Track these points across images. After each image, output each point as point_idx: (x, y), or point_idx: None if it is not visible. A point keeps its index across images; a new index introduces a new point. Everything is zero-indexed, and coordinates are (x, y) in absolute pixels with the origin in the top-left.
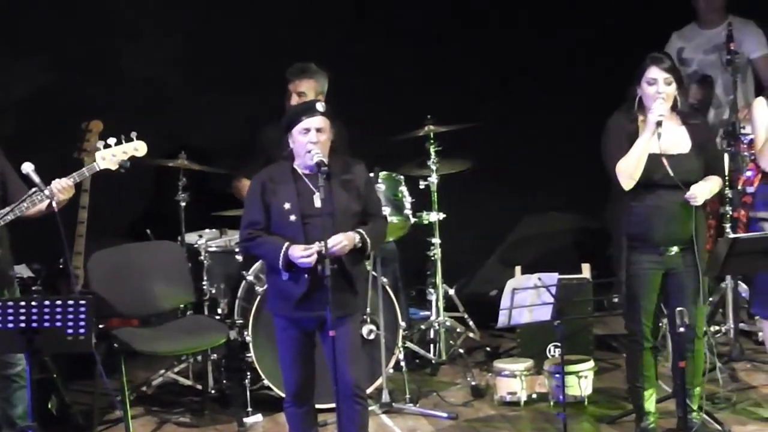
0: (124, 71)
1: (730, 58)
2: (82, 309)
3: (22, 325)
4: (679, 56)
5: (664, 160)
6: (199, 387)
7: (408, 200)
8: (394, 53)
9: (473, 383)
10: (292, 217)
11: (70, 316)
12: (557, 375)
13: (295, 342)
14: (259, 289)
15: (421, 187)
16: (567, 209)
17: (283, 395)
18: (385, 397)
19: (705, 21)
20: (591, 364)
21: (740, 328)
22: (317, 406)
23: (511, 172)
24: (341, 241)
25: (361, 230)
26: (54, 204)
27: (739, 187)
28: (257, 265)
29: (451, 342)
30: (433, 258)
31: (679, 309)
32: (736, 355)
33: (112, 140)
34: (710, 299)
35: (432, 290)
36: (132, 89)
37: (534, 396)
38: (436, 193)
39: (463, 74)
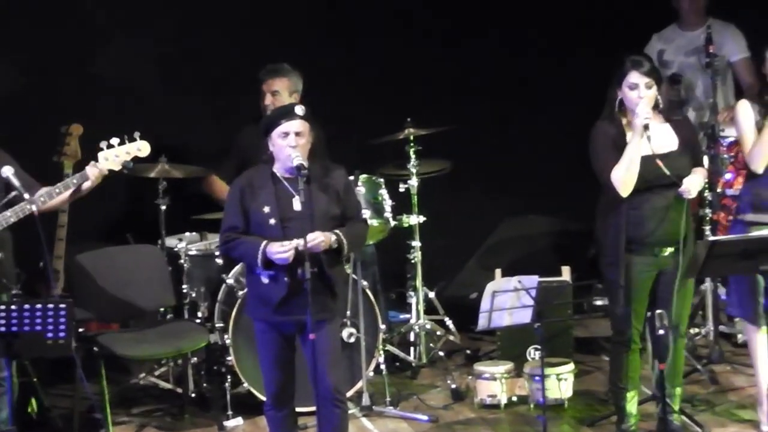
0: (101, 74)
1: (709, 60)
2: (62, 313)
3: (2, 329)
4: (660, 58)
5: (659, 161)
6: (179, 390)
7: (388, 203)
8: (373, 56)
9: (453, 386)
10: (272, 221)
11: (50, 320)
12: (537, 378)
13: (275, 346)
14: (239, 292)
15: (401, 190)
16: (547, 212)
17: (264, 399)
18: (366, 400)
19: (686, 23)
20: (571, 366)
21: (720, 331)
22: (297, 409)
23: (490, 174)
24: (318, 236)
25: (338, 231)
26: (34, 208)
27: (719, 190)
28: (237, 268)
29: (431, 345)
30: (413, 261)
31: (658, 312)
32: (716, 357)
33: (115, 140)
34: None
35: (412, 293)
36: (110, 92)
37: (514, 399)
38: (416, 196)
39: (442, 77)
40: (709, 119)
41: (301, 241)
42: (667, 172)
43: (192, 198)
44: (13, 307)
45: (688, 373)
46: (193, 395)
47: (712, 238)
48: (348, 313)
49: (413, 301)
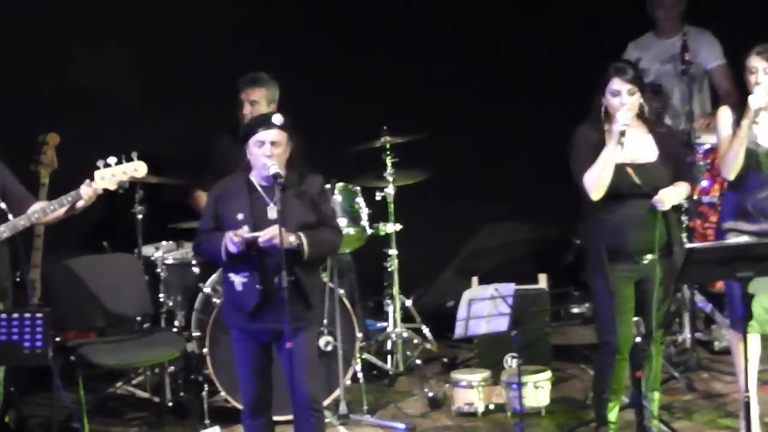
0: (78, 84)
1: (685, 68)
2: (39, 322)
3: None
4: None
5: (629, 170)
6: (157, 399)
7: (365, 211)
8: (350, 64)
9: (430, 394)
10: (245, 228)
11: (27, 330)
12: (514, 385)
13: (251, 354)
14: (215, 301)
15: (378, 198)
16: (523, 220)
17: (241, 407)
18: (343, 408)
19: (662, 31)
20: (548, 374)
21: (697, 338)
22: (275, 418)
23: (466, 182)
24: (272, 232)
25: (301, 233)
26: (29, 224)
27: (695, 197)
28: (214, 276)
29: (408, 353)
30: (389, 269)
31: (635, 319)
32: (693, 364)
33: (112, 159)
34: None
35: (389, 301)
36: (87, 102)
37: (491, 407)
38: (392, 204)
39: (418, 85)
40: (686, 126)
41: (259, 234)
42: (638, 182)
43: (169, 206)
44: None
45: (665, 381)
46: (170, 404)
47: (689, 245)
48: (325, 321)
49: (390, 309)
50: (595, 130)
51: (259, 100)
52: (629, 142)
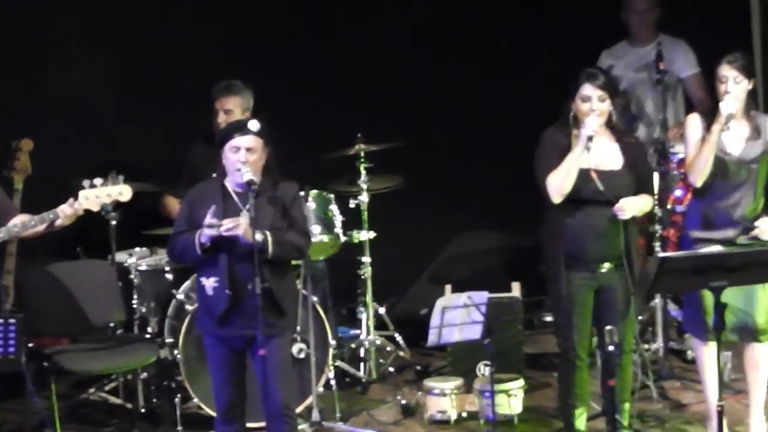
0: (53, 90)
1: (659, 77)
2: (12, 328)
3: None
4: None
5: (594, 175)
6: (129, 406)
7: (338, 219)
8: (325, 72)
9: (403, 402)
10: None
11: (0, 335)
12: (487, 393)
13: (224, 361)
14: (189, 307)
15: (352, 205)
16: (496, 228)
17: (214, 414)
18: (315, 415)
19: (636, 39)
20: (521, 382)
21: (670, 347)
22: (248, 425)
23: (440, 191)
24: (237, 221)
25: (267, 231)
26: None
27: (669, 206)
28: (187, 283)
29: (381, 360)
30: (363, 277)
31: (608, 328)
32: (666, 373)
33: (98, 180)
34: (639, 317)
35: (362, 309)
36: (61, 108)
37: (464, 414)
38: (366, 212)
39: (392, 93)
40: (660, 135)
41: (225, 221)
42: (601, 188)
43: (142, 213)
44: None
45: (638, 389)
46: (143, 410)
47: (662, 254)
48: (298, 328)
49: (363, 316)
50: (563, 133)
51: (233, 108)
52: (595, 148)
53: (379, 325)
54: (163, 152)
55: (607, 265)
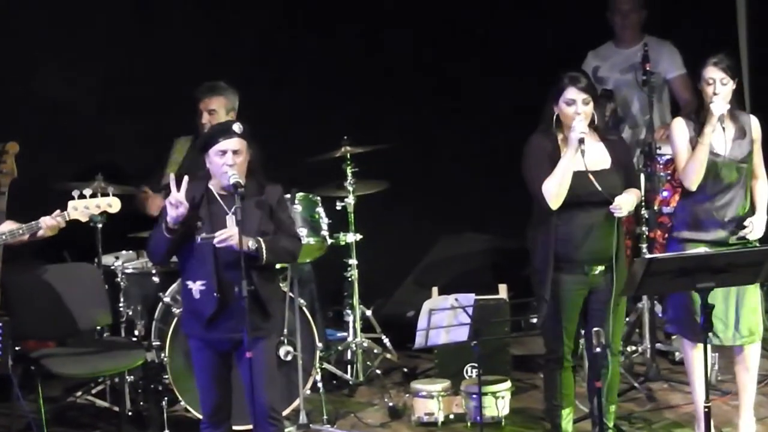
0: (37, 93)
1: (646, 78)
2: None
3: None
4: (595, 75)
5: (591, 177)
6: (116, 409)
7: (325, 221)
8: (311, 74)
9: (390, 404)
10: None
11: None
12: (474, 395)
13: (210, 363)
14: (175, 310)
15: (338, 208)
16: (483, 230)
17: (200, 417)
18: (303, 418)
19: (621, 40)
20: (508, 384)
21: (657, 348)
22: (234, 427)
23: (427, 192)
24: (228, 232)
25: (260, 238)
26: None
27: (655, 207)
28: (174, 286)
29: (368, 363)
30: (350, 279)
31: (595, 329)
32: (653, 375)
33: (87, 191)
34: (626, 319)
35: (349, 311)
36: (45, 111)
37: (451, 417)
38: (352, 214)
39: (379, 95)
40: (646, 137)
41: (218, 234)
42: (599, 188)
43: (128, 216)
44: None
45: (625, 391)
46: (129, 413)
47: (649, 255)
48: (285, 331)
49: (350, 319)
50: (548, 138)
51: (217, 109)
52: (586, 150)
53: (366, 327)
54: (148, 155)
55: (599, 268)
